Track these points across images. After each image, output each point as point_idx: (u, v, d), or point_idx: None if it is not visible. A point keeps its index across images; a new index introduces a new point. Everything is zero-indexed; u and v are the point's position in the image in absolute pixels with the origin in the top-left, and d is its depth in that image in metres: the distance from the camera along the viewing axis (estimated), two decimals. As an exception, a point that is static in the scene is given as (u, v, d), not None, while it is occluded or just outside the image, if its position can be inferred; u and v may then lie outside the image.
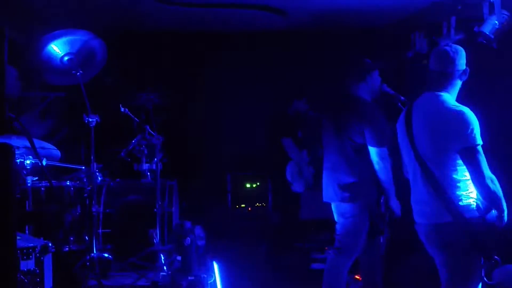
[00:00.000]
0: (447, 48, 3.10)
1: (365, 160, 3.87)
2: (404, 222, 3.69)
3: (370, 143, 3.84)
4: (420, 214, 3.08)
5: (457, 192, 2.93)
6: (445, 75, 3.06)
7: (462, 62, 3.08)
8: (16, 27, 5.53)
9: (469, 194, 2.93)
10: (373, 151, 3.83)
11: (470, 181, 2.91)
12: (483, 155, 2.86)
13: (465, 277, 2.95)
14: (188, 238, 4.40)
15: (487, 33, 4.85)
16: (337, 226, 4.07)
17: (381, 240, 4.05)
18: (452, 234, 2.91)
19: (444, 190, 2.92)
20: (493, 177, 2.86)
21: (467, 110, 2.92)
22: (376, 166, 3.83)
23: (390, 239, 4.13)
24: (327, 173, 4.14)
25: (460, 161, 2.91)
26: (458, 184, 2.94)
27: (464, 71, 3.09)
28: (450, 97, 3.05)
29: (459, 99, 3.13)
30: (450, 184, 2.93)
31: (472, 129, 2.85)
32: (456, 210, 2.88)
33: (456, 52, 3.09)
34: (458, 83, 3.11)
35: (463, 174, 2.93)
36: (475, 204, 2.89)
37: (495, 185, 2.84)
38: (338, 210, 4.06)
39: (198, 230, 4.70)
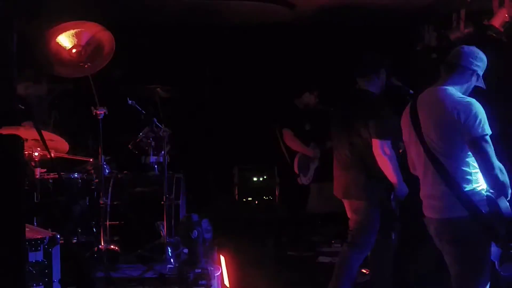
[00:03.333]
0: (473, 48, 3.11)
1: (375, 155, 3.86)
2: (413, 217, 3.68)
3: (372, 135, 3.83)
4: (431, 208, 3.06)
5: (470, 185, 2.91)
6: (457, 67, 3.05)
7: (479, 65, 3.07)
8: (25, 18, 5.54)
9: (481, 186, 2.92)
10: (374, 143, 3.82)
11: (480, 173, 2.91)
12: (491, 145, 2.86)
13: (477, 270, 2.94)
14: (195, 231, 4.43)
15: (497, 26, 4.82)
16: (350, 222, 4.08)
17: (393, 236, 4.04)
18: (465, 228, 2.90)
19: (456, 184, 2.90)
20: (502, 166, 2.87)
21: (474, 101, 2.91)
22: (378, 159, 3.81)
23: (400, 234, 4.13)
24: (337, 169, 4.12)
25: (470, 153, 2.90)
26: (470, 177, 2.92)
27: (478, 74, 3.07)
28: (455, 90, 3.03)
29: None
30: (462, 178, 2.92)
31: (481, 119, 2.85)
32: (470, 204, 2.87)
33: (479, 54, 3.08)
34: (468, 82, 3.08)
35: (474, 167, 2.92)
36: (487, 196, 2.88)
37: (504, 175, 2.85)
38: (350, 207, 4.06)
39: (205, 223, 4.76)
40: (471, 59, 3.06)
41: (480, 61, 3.09)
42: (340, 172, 4.10)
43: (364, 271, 4.88)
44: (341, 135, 4.06)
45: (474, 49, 3.12)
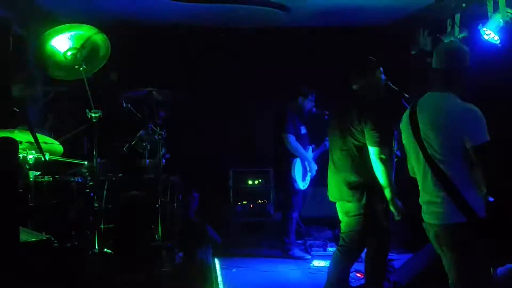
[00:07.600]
0: (451, 46, 3.08)
1: (369, 158, 3.86)
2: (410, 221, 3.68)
3: (368, 143, 3.84)
4: (430, 214, 3.05)
5: (469, 192, 2.91)
6: (450, 74, 3.04)
7: (466, 60, 3.06)
8: (22, 21, 5.53)
9: (480, 192, 2.92)
10: (371, 150, 3.82)
11: (481, 179, 2.90)
12: (493, 151, 2.86)
13: (475, 277, 2.94)
14: None
15: (491, 31, 4.84)
16: (342, 225, 4.08)
17: (386, 238, 4.04)
18: (463, 234, 2.90)
19: (456, 190, 2.90)
20: (503, 173, 2.87)
21: (474, 107, 2.91)
22: (374, 166, 3.81)
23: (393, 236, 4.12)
24: (331, 171, 4.13)
25: (470, 160, 2.89)
26: (469, 183, 2.91)
27: (468, 69, 3.07)
28: (454, 96, 3.03)
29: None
30: (461, 184, 2.91)
31: (482, 126, 2.85)
32: (469, 210, 2.87)
33: (460, 50, 3.07)
34: (462, 82, 3.08)
35: (473, 173, 2.91)
36: (486, 202, 2.89)
37: (506, 181, 2.86)
38: (342, 209, 4.06)
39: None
40: (458, 60, 3.05)
41: (466, 55, 3.07)
42: (333, 174, 4.11)
43: (358, 275, 4.89)
44: (336, 138, 4.07)
45: (456, 48, 3.10)
